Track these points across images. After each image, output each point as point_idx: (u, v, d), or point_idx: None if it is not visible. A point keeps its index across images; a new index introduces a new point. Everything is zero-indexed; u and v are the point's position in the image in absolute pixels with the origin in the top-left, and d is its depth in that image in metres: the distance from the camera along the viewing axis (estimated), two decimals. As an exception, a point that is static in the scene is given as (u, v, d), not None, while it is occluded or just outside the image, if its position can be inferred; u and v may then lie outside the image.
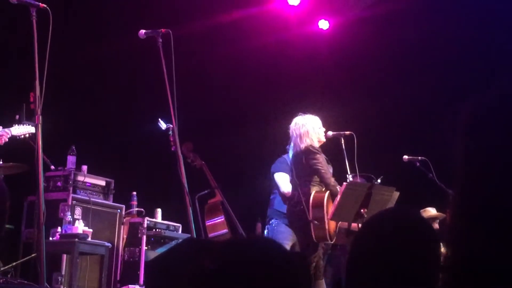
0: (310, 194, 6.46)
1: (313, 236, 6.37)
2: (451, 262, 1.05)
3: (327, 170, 6.55)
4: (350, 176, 6.73)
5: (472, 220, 1.02)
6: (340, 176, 6.95)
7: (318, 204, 6.41)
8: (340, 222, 6.57)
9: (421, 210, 8.97)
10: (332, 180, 6.49)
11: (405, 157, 7.35)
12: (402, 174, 7.63)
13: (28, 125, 6.40)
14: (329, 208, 6.38)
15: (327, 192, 6.46)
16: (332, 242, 6.55)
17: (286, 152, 7.21)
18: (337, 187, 6.43)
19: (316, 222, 6.34)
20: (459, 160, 1.06)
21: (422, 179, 7.26)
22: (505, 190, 0.98)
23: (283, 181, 7.11)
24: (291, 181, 6.78)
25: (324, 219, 6.36)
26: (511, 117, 1.00)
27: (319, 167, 6.50)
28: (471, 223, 1.02)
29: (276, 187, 7.21)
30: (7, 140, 6.37)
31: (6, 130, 6.39)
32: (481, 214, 0.99)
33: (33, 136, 5.51)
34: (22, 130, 6.48)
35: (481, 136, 1.03)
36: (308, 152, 6.58)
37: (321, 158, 6.54)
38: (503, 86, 1.06)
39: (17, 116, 6.33)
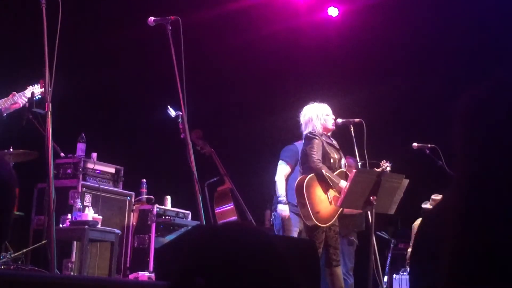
0: None
1: (304, 221, 6.44)
2: (452, 246, 1.06)
3: (318, 153, 6.51)
4: (360, 163, 6.73)
5: (472, 204, 1.03)
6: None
7: (299, 189, 6.44)
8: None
9: (432, 196, 8.97)
10: (316, 163, 6.44)
11: (415, 144, 7.34)
12: (412, 161, 7.62)
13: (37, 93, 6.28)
14: (312, 192, 6.40)
15: (309, 176, 6.45)
16: (324, 225, 6.49)
17: (300, 139, 7.23)
18: (323, 170, 6.41)
19: (303, 208, 6.40)
20: (458, 146, 1.10)
21: (431, 166, 7.24)
22: (501, 172, 1.01)
23: (280, 171, 7.25)
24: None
25: (306, 203, 6.36)
26: (506, 104, 1.04)
27: (310, 151, 6.51)
28: (470, 207, 1.03)
29: None
30: (24, 102, 6.28)
31: (21, 94, 6.31)
32: (481, 197, 1.01)
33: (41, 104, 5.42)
34: (35, 91, 6.35)
35: (478, 123, 1.06)
36: (306, 138, 6.64)
37: (316, 143, 6.53)
38: (500, 76, 1.09)
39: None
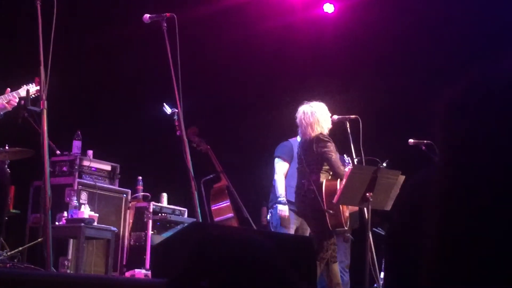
0: (320, 182, 6.46)
1: (329, 225, 6.39)
2: (437, 233, 1.08)
3: (337, 158, 6.55)
4: (356, 159, 6.73)
5: (453, 196, 1.07)
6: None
7: (332, 193, 6.41)
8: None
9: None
10: (342, 169, 6.48)
11: (411, 140, 7.34)
12: (408, 158, 7.62)
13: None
14: None
15: (338, 180, 6.46)
16: (347, 229, 6.54)
17: (295, 136, 7.18)
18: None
19: (331, 211, 6.34)
20: (440, 141, 1.16)
21: (427, 163, 7.24)
22: (479, 162, 1.05)
23: (279, 169, 7.25)
24: (299, 169, 6.75)
25: (339, 207, 6.38)
26: (482, 101, 1.08)
27: (330, 156, 6.50)
28: (452, 199, 1.07)
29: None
30: (15, 104, 6.25)
31: (14, 93, 6.28)
32: (463, 186, 1.06)
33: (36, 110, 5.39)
34: (30, 89, 6.29)
35: (457, 119, 1.11)
36: (319, 141, 6.57)
37: (332, 147, 6.54)
38: (477, 73, 1.12)
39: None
